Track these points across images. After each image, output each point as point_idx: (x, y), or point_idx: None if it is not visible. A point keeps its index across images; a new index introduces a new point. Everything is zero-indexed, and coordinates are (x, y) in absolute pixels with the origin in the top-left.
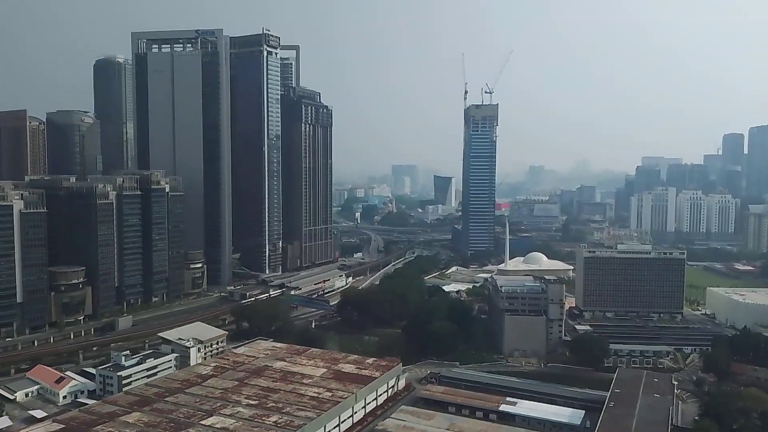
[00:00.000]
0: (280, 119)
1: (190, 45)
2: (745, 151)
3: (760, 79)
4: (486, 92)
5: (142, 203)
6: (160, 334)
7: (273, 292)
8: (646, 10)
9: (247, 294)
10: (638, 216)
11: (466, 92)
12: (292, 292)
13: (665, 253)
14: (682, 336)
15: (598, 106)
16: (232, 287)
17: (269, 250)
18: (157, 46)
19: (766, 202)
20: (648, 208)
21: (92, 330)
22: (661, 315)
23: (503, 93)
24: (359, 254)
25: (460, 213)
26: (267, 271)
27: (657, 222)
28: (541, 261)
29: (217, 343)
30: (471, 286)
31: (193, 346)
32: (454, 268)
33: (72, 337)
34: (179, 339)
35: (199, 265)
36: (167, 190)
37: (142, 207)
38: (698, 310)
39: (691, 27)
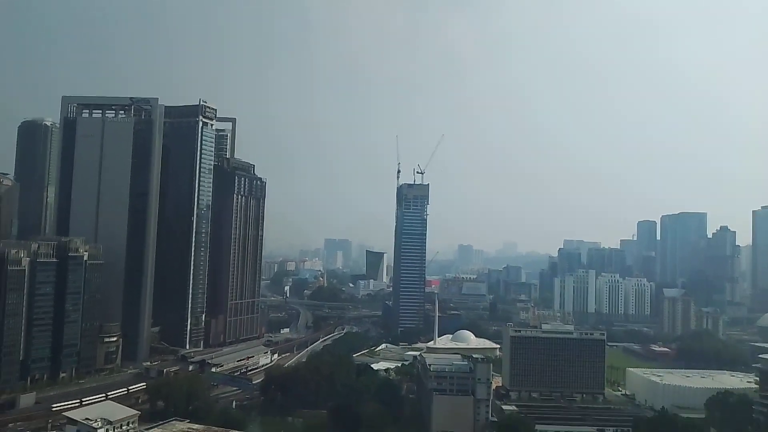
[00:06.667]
0: (211, 190)
1: (123, 112)
2: (658, 237)
3: (668, 175)
4: (418, 173)
5: (57, 271)
6: (65, 414)
7: (192, 369)
8: (561, 115)
9: (164, 371)
10: (561, 297)
11: (399, 171)
12: (213, 369)
13: (586, 334)
14: (604, 417)
15: (520, 193)
16: (149, 363)
17: (191, 324)
18: (88, 111)
19: (678, 286)
20: (570, 289)
21: None
22: (584, 395)
23: (434, 174)
24: (287, 330)
25: (391, 289)
26: (188, 347)
27: (579, 303)
28: (470, 339)
29: (128, 424)
30: (400, 365)
31: (101, 427)
32: (383, 346)
33: None
34: (86, 419)
35: (114, 338)
36: (86, 258)
37: (57, 275)
38: (618, 391)
39: (599, 133)
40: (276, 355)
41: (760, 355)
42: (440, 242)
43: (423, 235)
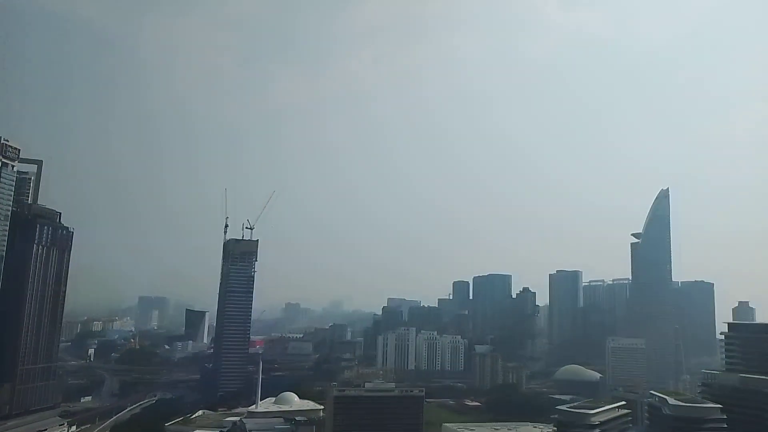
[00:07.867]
0: (6, 238)
1: None
2: (470, 297)
3: (482, 236)
4: (247, 228)
5: None
6: None
7: None
8: (372, 180)
9: None
10: (384, 354)
11: (226, 226)
12: None
13: (407, 391)
14: None
15: (347, 252)
16: None
17: None
18: None
19: (488, 342)
20: (392, 346)
21: None
22: None
23: (264, 230)
24: (88, 398)
25: (212, 350)
26: None
27: (400, 360)
28: (293, 401)
29: None
30: None
31: None
32: (200, 412)
33: None
34: None
35: None
36: None
37: None
38: None
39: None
40: (74, 428)
41: (557, 407)
42: (267, 300)
43: (249, 292)
